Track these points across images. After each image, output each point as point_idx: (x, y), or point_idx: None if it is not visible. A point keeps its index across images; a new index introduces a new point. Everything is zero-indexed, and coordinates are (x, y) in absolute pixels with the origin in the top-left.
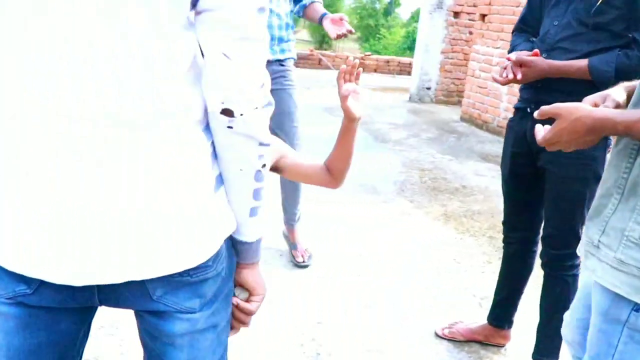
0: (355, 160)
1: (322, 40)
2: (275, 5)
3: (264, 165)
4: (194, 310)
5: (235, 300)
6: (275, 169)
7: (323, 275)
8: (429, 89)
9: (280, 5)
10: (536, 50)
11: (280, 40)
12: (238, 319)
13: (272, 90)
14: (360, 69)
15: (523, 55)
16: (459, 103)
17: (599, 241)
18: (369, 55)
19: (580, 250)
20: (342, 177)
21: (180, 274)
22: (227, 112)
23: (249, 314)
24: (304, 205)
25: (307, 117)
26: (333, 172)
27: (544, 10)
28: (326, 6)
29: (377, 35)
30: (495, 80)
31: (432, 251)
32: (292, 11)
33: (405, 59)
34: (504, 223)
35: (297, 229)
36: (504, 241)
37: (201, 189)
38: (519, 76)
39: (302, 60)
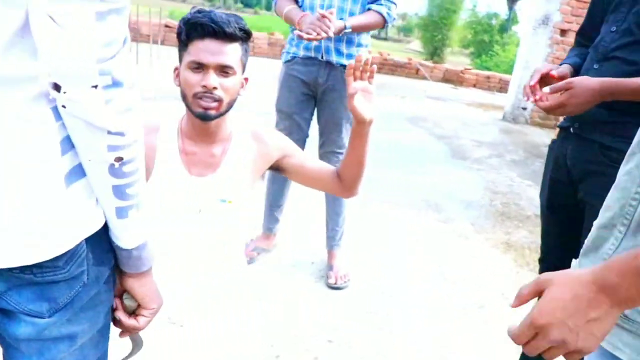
0: (425, 173)
1: (434, 52)
2: (346, 3)
3: (119, 159)
4: (42, 315)
5: (117, 314)
6: (277, 168)
7: (356, 291)
8: (524, 109)
9: (347, 3)
10: (552, 73)
11: (349, 42)
12: (125, 329)
13: (328, 97)
14: (374, 67)
15: (542, 72)
16: (555, 127)
17: None
18: (468, 69)
19: None
20: (353, 186)
21: (21, 271)
22: (56, 88)
23: (133, 330)
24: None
25: (386, 124)
26: (344, 180)
27: (605, 17)
28: (441, 18)
29: (490, 52)
30: (542, 107)
31: (480, 281)
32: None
33: (507, 76)
34: (540, 260)
35: (336, 251)
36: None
37: (45, 178)
38: (548, 101)
39: (399, 69)
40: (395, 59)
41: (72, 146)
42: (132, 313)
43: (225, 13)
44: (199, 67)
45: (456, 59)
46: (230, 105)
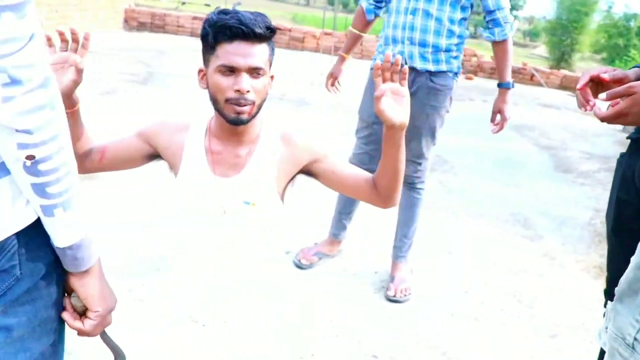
0: (519, 185)
1: (561, 57)
2: (432, 7)
3: (31, 157)
4: None
5: (63, 315)
6: (308, 173)
7: (417, 306)
8: None
9: (443, 9)
10: (603, 76)
11: (436, 48)
12: (75, 329)
13: (410, 104)
14: (406, 67)
15: (591, 74)
16: None
17: (636, 339)
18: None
19: (601, 340)
20: (389, 196)
21: None
22: None
23: (81, 333)
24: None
25: (487, 132)
26: (379, 189)
27: None
28: (570, 21)
29: (625, 57)
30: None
31: (560, 307)
32: (464, 19)
33: None
34: (605, 292)
35: (401, 263)
36: (604, 315)
37: None
38: (601, 108)
39: (513, 74)
40: (531, 65)
41: None
42: (83, 314)
43: (251, 12)
44: (230, 70)
45: (586, 65)
46: (260, 107)
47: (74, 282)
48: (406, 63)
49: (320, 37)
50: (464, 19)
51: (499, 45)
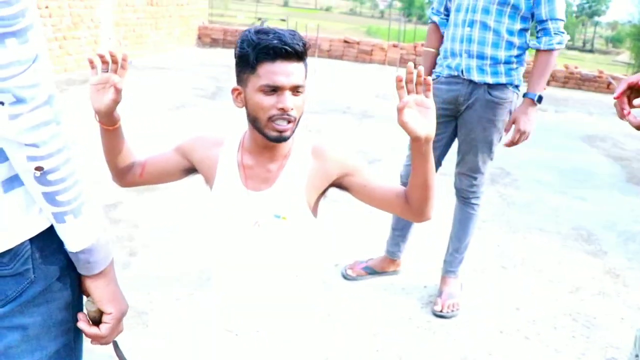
0: (585, 198)
1: None
2: (489, 19)
3: (39, 168)
4: None
5: (79, 325)
6: (339, 186)
7: (463, 322)
8: None
9: (501, 21)
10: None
11: (495, 60)
12: (91, 337)
13: (466, 116)
14: (429, 78)
15: (630, 81)
16: None
17: None
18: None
19: None
20: (421, 209)
21: None
22: None
23: (96, 340)
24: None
25: (557, 143)
26: (411, 203)
27: None
28: None
29: None
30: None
31: (622, 330)
32: (524, 29)
33: None
34: None
35: (450, 278)
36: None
37: None
38: (637, 116)
39: (587, 83)
40: (583, 72)
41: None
42: (99, 323)
43: (288, 31)
44: (273, 90)
45: None
46: (299, 122)
47: (88, 284)
48: (463, 75)
49: (388, 50)
50: (525, 29)
51: (541, 55)
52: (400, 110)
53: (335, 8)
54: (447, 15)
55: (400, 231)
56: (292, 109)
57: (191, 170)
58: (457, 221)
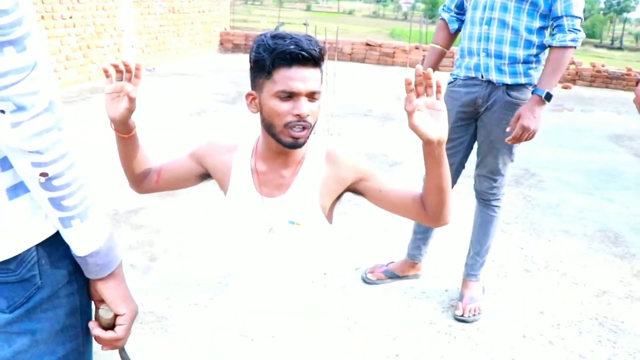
0: (613, 200)
1: None
2: (508, 16)
3: (44, 174)
4: (3, 311)
5: (94, 332)
6: (355, 191)
7: (486, 324)
8: None
9: (519, 18)
10: None
11: (513, 59)
12: (106, 343)
13: (486, 118)
14: (439, 80)
15: None
16: None
17: None
18: None
19: None
20: (437, 214)
21: None
22: None
23: (115, 341)
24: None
25: (583, 143)
26: (427, 207)
27: None
28: None
29: None
30: None
31: None
32: (543, 27)
33: None
34: None
35: (472, 281)
36: None
37: None
38: None
39: (615, 81)
40: (610, 69)
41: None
42: (112, 327)
43: (304, 36)
44: (289, 96)
45: None
46: (312, 131)
47: (99, 286)
48: (482, 77)
49: (410, 51)
50: (544, 27)
51: (554, 51)
52: (410, 114)
53: (358, 11)
54: (458, 14)
55: (421, 234)
56: (308, 115)
57: (206, 175)
58: (477, 224)
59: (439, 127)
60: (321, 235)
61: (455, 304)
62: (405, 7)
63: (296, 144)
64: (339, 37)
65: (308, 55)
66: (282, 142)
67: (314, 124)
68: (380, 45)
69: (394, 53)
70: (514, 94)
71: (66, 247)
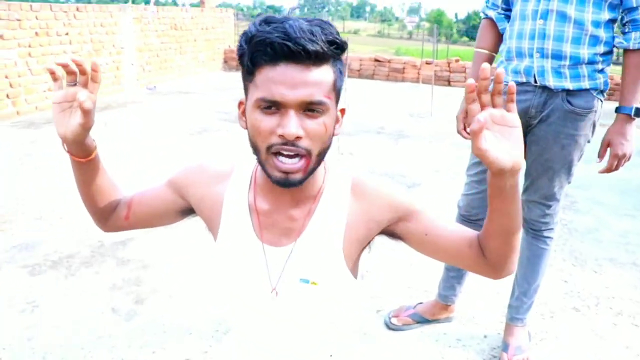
0: None
1: None
2: (569, 7)
3: None
4: None
5: None
6: (390, 234)
7: None
8: None
9: (584, 9)
10: None
11: (575, 60)
12: None
13: (539, 131)
14: (513, 84)
15: None
16: None
17: None
18: None
19: None
20: (500, 264)
21: None
22: None
23: None
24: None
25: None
26: (486, 254)
27: None
28: None
29: None
30: None
31: None
32: (612, 20)
33: None
34: None
35: (517, 327)
36: None
37: None
38: None
39: None
40: None
41: None
42: None
43: (307, 19)
44: (272, 106)
45: None
46: (322, 157)
47: None
48: (536, 82)
49: (421, 67)
50: (613, 20)
51: (632, 56)
52: (476, 134)
53: (363, 31)
54: (507, 10)
55: (455, 272)
56: (298, 138)
57: (189, 211)
58: (525, 258)
59: (512, 149)
60: (344, 297)
61: (499, 354)
62: (410, 26)
63: (287, 182)
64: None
65: (298, 49)
66: (269, 175)
67: (322, 150)
68: (389, 61)
69: (403, 69)
70: (576, 101)
71: None
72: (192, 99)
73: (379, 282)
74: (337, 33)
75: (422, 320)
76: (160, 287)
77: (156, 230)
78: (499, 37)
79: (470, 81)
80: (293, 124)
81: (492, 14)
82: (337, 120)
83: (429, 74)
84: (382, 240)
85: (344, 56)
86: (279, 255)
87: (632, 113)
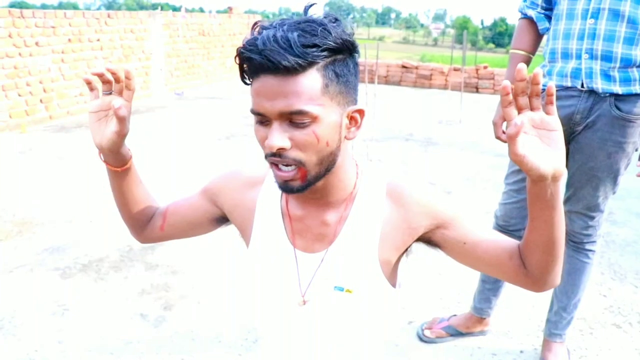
0: None
1: None
2: (623, 5)
3: None
4: None
5: None
6: (427, 241)
7: None
8: None
9: (626, 4)
10: None
11: (627, 62)
12: None
13: (584, 139)
14: (552, 85)
15: None
16: None
17: None
18: None
19: None
20: (543, 275)
21: None
22: None
23: None
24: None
25: None
26: (528, 265)
27: None
28: None
29: None
30: None
31: None
32: None
33: None
34: None
35: (556, 342)
36: None
37: None
38: None
39: None
40: None
41: None
42: None
43: (297, 22)
44: (261, 117)
45: None
46: (326, 165)
47: None
48: (583, 86)
49: (449, 73)
50: None
51: None
52: (512, 138)
53: (389, 37)
54: (547, 9)
55: (491, 284)
56: (282, 149)
57: (223, 219)
58: (565, 272)
59: (553, 154)
60: (381, 306)
61: None
62: (435, 33)
63: (287, 188)
64: (371, 59)
65: (268, 63)
66: (277, 183)
67: (320, 159)
68: (417, 67)
69: (431, 75)
70: (625, 106)
71: None
72: (219, 104)
73: (409, 292)
74: (330, 32)
75: (455, 333)
76: (189, 293)
77: None
78: (538, 38)
79: (506, 83)
80: (274, 136)
81: (531, 13)
82: (352, 123)
83: (456, 80)
84: (414, 254)
85: (363, 60)
86: (311, 262)
87: None
